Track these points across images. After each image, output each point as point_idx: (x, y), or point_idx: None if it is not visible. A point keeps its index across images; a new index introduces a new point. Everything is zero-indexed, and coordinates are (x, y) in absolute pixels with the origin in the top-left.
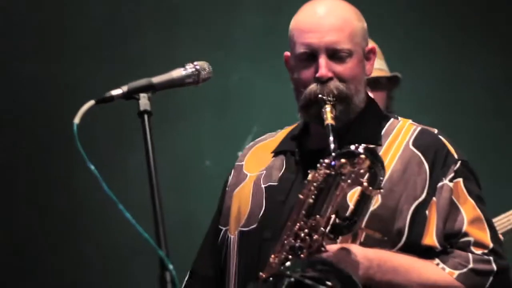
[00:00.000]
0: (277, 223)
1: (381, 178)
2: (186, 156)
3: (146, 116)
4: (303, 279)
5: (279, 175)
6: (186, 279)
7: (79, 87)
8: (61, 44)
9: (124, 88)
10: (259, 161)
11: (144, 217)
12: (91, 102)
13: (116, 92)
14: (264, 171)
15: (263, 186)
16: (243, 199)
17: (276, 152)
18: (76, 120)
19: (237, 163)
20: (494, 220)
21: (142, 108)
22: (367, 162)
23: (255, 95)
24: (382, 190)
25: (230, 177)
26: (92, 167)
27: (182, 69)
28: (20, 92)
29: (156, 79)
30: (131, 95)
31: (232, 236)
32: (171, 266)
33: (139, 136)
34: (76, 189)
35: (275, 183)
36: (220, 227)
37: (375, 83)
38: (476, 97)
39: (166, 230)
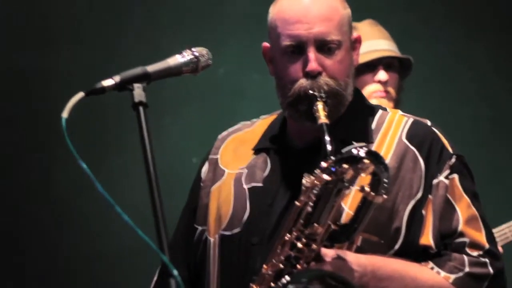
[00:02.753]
0: (265, 228)
1: (385, 181)
2: (171, 153)
3: (141, 108)
4: None
5: (263, 175)
6: (154, 279)
7: (59, 77)
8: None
9: (116, 78)
10: (237, 156)
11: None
12: (80, 94)
13: (107, 82)
14: (246, 170)
15: (245, 187)
16: (223, 199)
17: (258, 149)
18: (65, 114)
19: (210, 156)
20: (494, 230)
21: (137, 99)
22: (371, 167)
23: (243, 89)
24: (385, 196)
25: (204, 171)
26: (84, 165)
27: (179, 56)
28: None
29: (152, 68)
30: (124, 85)
31: (211, 239)
32: (175, 272)
33: (119, 134)
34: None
35: (259, 185)
36: (195, 225)
37: (388, 65)
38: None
39: (167, 233)
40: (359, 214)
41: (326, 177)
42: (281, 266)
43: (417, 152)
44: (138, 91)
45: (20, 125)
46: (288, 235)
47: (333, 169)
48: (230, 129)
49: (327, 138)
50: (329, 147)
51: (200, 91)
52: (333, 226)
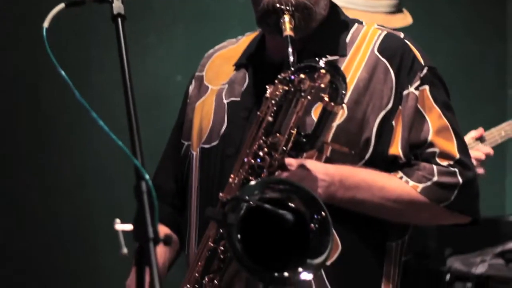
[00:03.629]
0: (240, 140)
1: (343, 92)
2: (157, 71)
3: (120, 20)
4: (261, 203)
5: (242, 90)
6: None
7: None
8: None
9: None
10: (220, 72)
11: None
12: (61, 5)
13: None
14: (227, 85)
15: (225, 101)
16: (205, 114)
17: (238, 65)
18: (45, 24)
19: (197, 73)
20: (486, 133)
21: (116, 11)
22: (328, 77)
23: (228, 9)
24: (344, 105)
25: (191, 88)
26: (63, 72)
27: None
28: None
29: None
30: None
31: (194, 153)
32: (147, 176)
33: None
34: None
35: (237, 99)
36: (182, 141)
37: None
38: None
39: (141, 139)
40: (320, 123)
41: (284, 86)
42: (246, 175)
43: (388, 64)
44: (117, 3)
45: None
46: (251, 145)
47: (291, 78)
48: (216, 47)
49: (289, 49)
50: (291, 58)
51: (186, 11)
52: (295, 136)
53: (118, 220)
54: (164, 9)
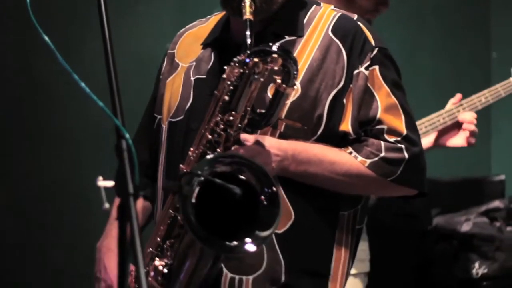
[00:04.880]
0: (203, 115)
1: (295, 74)
2: (146, 39)
3: None
4: (211, 178)
5: (207, 68)
6: None
7: None
8: None
9: None
10: (189, 51)
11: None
12: None
13: None
14: (194, 63)
15: (192, 78)
16: (174, 90)
17: (205, 44)
18: None
19: (169, 51)
20: (464, 100)
21: None
22: (280, 60)
23: None
24: (298, 85)
25: (164, 65)
26: (46, 38)
27: None
28: None
29: None
30: None
31: (164, 126)
32: (127, 135)
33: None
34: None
35: (203, 76)
36: (155, 115)
37: None
38: None
39: (121, 100)
40: (274, 102)
41: (240, 69)
42: (204, 149)
43: (340, 45)
44: None
45: None
46: (209, 121)
47: (246, 61)
48: (187, 26)
49: (247, 32)
50: (248, 41)
51: None
52: (250, 114)
53: (100, 178)
54: None
